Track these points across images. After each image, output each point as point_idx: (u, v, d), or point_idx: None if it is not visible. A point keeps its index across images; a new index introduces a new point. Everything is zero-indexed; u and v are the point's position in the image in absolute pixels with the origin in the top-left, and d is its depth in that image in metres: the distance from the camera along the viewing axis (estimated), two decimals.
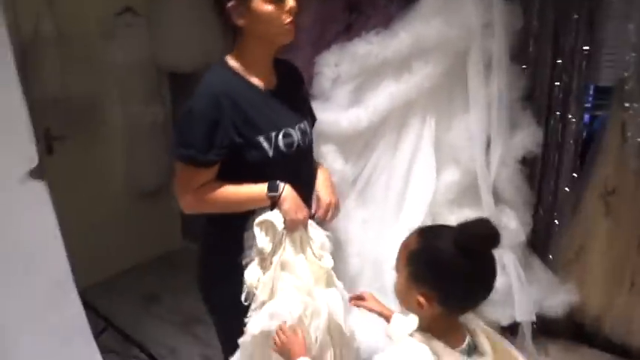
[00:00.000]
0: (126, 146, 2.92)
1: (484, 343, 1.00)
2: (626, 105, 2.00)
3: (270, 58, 1.38)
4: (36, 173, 1.59)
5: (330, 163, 1.91)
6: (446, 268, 0.93)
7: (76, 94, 2.55)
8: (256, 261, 1.28)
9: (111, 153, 2.90)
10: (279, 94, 1.38)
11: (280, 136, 1.34)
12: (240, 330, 1.28)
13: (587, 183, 2.16)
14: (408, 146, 2.02)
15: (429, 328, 0.98)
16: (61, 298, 1.70)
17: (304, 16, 1.88)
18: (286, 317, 1.20)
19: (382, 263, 1.97)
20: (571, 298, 2.10)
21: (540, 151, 2.12)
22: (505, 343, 1.51)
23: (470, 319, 1.03)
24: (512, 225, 2.02)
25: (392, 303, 1.20)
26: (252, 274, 1.27)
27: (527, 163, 2.12)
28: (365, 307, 1.29)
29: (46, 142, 2.47)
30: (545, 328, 2.20)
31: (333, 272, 1.35)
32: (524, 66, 2.07)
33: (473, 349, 0.99)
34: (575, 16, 2.00)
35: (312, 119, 1.54)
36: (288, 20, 1.28)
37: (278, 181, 1.30)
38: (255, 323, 1.24)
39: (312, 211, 1.42)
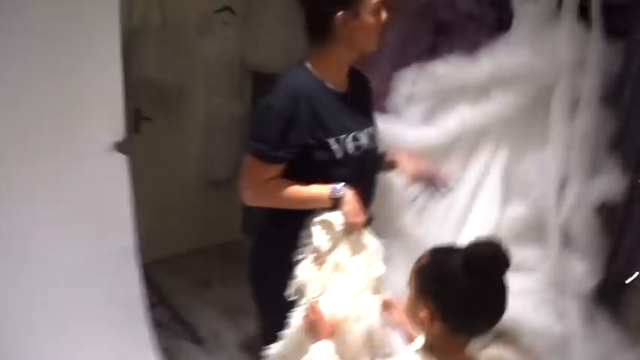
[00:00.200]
0: (204, 135, 3.07)
1: None
2: None
3: (350, 64, 1.44)
4: (121, 147, 1.71)
5: (391, 178, 1.90)
6: (449, 284, 0.93)
7: (168, 81, 2.74)
8: (310, 258, 1.31)
9: (190, 140, 3.06)
10: (351, 98, 1.43)
11: (349, 139, 1.37)
12: (283, 323, 1.31)
13: None
14: (475, 173, 1.96)
15: (431, 348, 0.98)
16: (122, 265, 1.81)
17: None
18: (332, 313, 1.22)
19: None
20: None
21: (624, 199, 1.99)
22: None
23: (486, 355, 1.02)
24: (578, 270, 1.90)
25: None
26: (304, 270, 1.30)
27: (607, 210, 2.00)
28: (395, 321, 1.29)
29: (135, 120, 2.63)
30: None
31: (383, 280, 1.36)
32: (615, 110, 1.96)
33: None
34: None
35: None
36: (380, 31, 1.36)
37: (341, 184, 1.33)
38: (300, 316, 1.27)
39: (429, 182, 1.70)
